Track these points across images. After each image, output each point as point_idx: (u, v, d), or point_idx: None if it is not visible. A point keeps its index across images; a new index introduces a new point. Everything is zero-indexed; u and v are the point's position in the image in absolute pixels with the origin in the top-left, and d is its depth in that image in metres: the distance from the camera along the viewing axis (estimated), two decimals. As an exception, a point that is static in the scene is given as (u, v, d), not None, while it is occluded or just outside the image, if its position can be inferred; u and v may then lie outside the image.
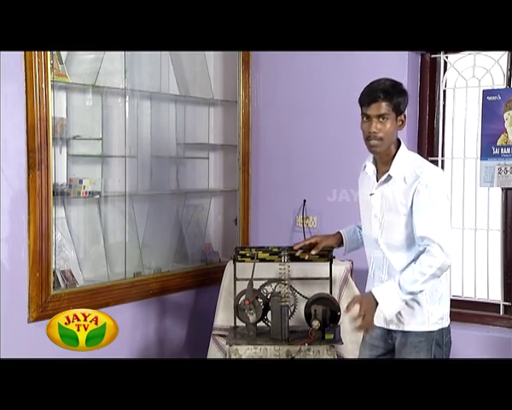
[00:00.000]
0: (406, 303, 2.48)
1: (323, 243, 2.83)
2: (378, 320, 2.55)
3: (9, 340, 2.99)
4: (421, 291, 2.45)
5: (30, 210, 3.07)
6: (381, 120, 2.45)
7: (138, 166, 3.75)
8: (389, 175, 2.51)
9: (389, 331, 2.59)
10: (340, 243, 2.85)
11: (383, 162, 2.54)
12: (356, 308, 2.45)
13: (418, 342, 2.51)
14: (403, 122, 2.52)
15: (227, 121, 4.20)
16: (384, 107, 2.45)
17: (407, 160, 2.52)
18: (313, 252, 2.84)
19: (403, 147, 2.55)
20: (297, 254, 2.88)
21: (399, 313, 2.51)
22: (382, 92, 2.45)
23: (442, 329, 2.54)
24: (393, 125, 2.48)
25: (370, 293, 2.46)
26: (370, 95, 2.47)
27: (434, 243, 2.40)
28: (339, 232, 2.86)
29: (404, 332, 2.55)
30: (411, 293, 2.43)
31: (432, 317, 2.52)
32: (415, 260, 2.45)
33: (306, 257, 2.88)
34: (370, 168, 2.59)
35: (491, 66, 3.56)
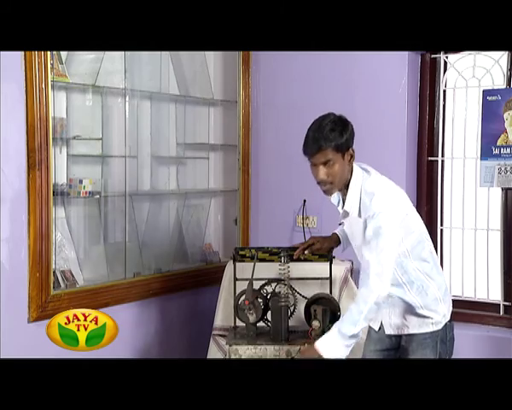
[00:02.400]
0: (409, 313, 2.55)
1: (318, 246, 2.87)
2: (386, 328, 2.64)
3: (9, 340, 2.99)
4: (364, 327, 2.49)
5: (30, 210, 3.07)
6: (327, 165, 2.47)
7: (138, 166, 3.75)
8: (345, 211, 2.55)
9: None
10: (338, 243, 2.89)
11: (342, 193, 2.57)
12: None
13: (423, 339, 2.56)
14: (352, 156, 2.52)
15: (227, 121, 4.20)
16: (326, 154, 2.46)
17: (359, 189, 2.51)
18: (306, 252, 2.90)
19: (355, 173, 2.53)
20: (295, 257, 2.93)
21: (404, 317, 2.58)
22: (323, 140, 2.45)
23: (445, 325, 2.58)
24: (341, 164, 2.48)
25: (314, 346, 2.50)
26: (311, 146, 2.47)
27: (372, 275, 2.42)
28: (335, 233, 2.89)
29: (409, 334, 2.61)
30: (354, 335, 2.44)
31: (435, 317, 2.56)
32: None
33: (302, 257, 2.93)
34: (335, 199, 2.63)
35: (491, 66, 3.56)
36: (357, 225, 2.53)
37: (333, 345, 2.47)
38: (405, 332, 2.60)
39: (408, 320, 2.58)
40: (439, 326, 2.57)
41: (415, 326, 2.57)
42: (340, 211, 2.61)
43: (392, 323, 2.62)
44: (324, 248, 2.88)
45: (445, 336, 2.58)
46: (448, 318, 2.60)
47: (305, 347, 2.69)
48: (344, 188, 2.54)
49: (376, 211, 2.42)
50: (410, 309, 2.57)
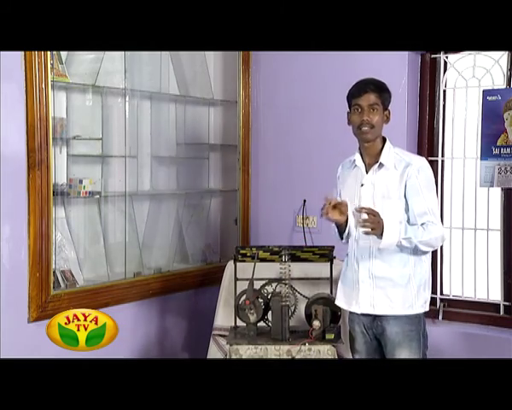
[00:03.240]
0: (395, 286, 2.61)
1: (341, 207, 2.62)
2: (365, 307, 2.66)
3: (9, 340, 2.99)
4: (414, 247, 2.55)
5: (30, 210, 3.07)
6: (371, 110, 2.64)
7: (138, 166, 3.75)
8: (380, 163, 2.66)
9: (374, 320, 2.67)
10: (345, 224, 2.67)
11: (370, 155, 2.69)
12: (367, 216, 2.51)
13: (410, 331, 2.63)
14: (387, 118, 2.70)
15: (227, 121, 4.20)
16: (374, 98, 2.64)
17: (394, 151, 2.70)
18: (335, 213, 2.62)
19: (388, 142, 2.71)
20: (324, 211, 2.61)
21: (388, 296, 2.62)
22: (372, 84, 2.66)
23: (423, 317, 2.68)
24: (381, 117, 2.66)
25: (381, 218, 2.53)
26: (361, 87, 2.67)
27: (435, 220, 2.59)
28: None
29: (395, 319, 2.62)
30: (408, 239, 2.53)
31: (418, 301, 2.64)
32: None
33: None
34: (360, 160, 2.72)
35: (491, 66, 3.56)
36: (389, 176, 2.63)
37: (395, 229, 2.52)
38: (389, 313, 2.62)
39: (393, 301, 2.62)
40: (420, 310, 2.64)
41: (398, 307, 2.61)
42: (364, 175, 2.68)
43: (374, 303, 2.64)
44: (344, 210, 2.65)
45: (423, 329, 2.67)
46: (427, 307, 2.68)
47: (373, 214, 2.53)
48: (376, 155, 2.66)
49: (420, 166, 2.62)
50: (399, 289, 2.61)
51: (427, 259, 2.70)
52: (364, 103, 2.63)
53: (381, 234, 2.50)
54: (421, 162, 2.66)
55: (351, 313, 2.76)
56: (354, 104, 2.66)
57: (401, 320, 2.62)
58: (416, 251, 2.61)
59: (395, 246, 2.55)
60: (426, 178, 2.62)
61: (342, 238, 2.77)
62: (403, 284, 2.62)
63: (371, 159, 2.69)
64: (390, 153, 2.67)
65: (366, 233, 2.52)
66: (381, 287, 2.63)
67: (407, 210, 2.62)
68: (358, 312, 2.69)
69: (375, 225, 2.49)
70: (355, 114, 2.66)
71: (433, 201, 2.63)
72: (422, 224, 2.58)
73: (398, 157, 2.66)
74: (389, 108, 2.70)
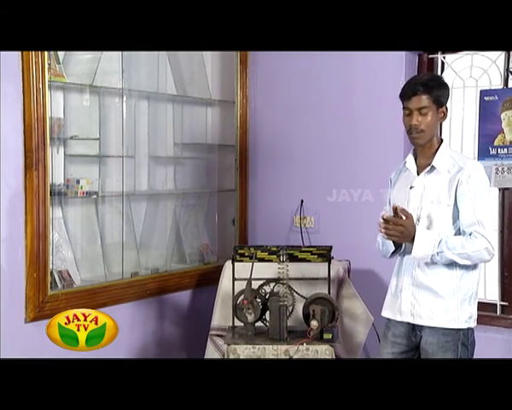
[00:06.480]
0: (437, 297, 2.52)
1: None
2: (406, 316, 2.58)
3: (6, 340, 2.98)
4: (450, 261, 2.47)
5: (27, 210, 3.06)
6: (421, 112, 2.52)
7: (136, 166, 3.75)
8: (432, 166, 2.56)
9: (413, 329, 2.59)
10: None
11: (425, 156, 2.60)
12: (398, 220, 2.46)
13: (445, 342, 2.52)
14: (444, 114, 2.59)
15: (225, 121, 4.20)
16: (424, 100, 2.52)
17: (449, 154, 2.59)
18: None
19: (445, 143, 2.62)
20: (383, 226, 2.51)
21: (429, 307, 2.53)
22: (422, 85, 2.52)
23: (468, 328, 2.54)
24: (434, 117, 2.55)
25: (415, 226, 2.48)
26: (410, 88, 2.55)
27: (482, 232, 2.46)
28: None
29: (431, 329, 2.54)
30: (442, 254, 2.45)
31: (462, 315, 2.52)
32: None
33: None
34: (411, 162, 2.64)
35: (489, 66, 3.56)
36: (441, 181, 2.54)
37: (428, 240, 2.46)
38: (428, 324, 2.54)
39: (433, 312, 2.53)
40: (464, 326, 2.52)
41: (439, 319, 2.52)
42: (415, 177, 2.60)
43: (414, 312, 2.56)
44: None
45: (466, 339, 2.54)
46: (472, 324, 2.55)
47: (411, 217, 2.49)
48: (430, 157, 2.57)
49: (472, 172, 2.50)
50: (440, 301, 2.52)
51: (477, 271, 2.58)
52: (413, 106, 2.52)
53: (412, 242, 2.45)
54: (473, 168, 2.52)
55: (388, 320, 2.68)
56: (404, 106, 2.56)
57: (438, 332, 2.52)
58: (466, 268, 2.52)
59: (431, 260, 2.47)
60: (476, 185, 2.49)
61: (394, 254, 2.65)
62: (445, 295, 2.52)
63: (425, 161, 2.59)
64: (445, 156, 2.56)
65: (387, 238, 2.50)
66: (422, 296, 2.54)
67: (457, 218, 2.51)
68: (400, 320, 2.61)
69: (396, 233, 2.45)
70: (405, 116, 2.56)
71: (482, 210, 2.48)
72: (470, 234, 2.47)
73: (453, 161, 2.55)
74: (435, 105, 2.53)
